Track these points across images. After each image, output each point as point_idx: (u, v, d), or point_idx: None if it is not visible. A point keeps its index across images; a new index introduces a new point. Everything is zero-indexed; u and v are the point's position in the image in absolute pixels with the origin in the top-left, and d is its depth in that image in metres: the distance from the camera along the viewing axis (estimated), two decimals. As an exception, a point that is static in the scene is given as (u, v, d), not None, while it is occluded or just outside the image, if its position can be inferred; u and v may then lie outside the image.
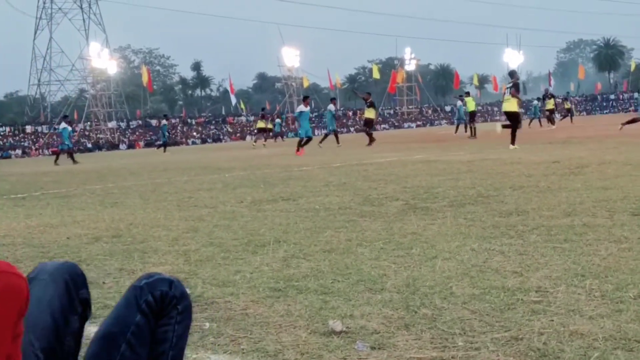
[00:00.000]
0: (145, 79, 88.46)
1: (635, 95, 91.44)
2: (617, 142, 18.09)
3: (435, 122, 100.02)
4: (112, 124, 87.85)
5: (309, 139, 26.77)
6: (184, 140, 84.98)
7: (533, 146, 19.24)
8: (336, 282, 4.35)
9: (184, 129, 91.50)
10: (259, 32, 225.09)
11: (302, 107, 27.54)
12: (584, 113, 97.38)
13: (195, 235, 6.63)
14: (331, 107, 33.04)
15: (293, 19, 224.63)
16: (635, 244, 4.89)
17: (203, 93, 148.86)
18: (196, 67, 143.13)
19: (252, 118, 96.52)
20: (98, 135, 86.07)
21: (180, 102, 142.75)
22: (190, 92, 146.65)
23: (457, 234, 5.80)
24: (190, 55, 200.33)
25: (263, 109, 50.27)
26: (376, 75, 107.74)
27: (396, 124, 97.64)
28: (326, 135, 33.35)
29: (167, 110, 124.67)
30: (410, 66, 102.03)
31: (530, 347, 2.96)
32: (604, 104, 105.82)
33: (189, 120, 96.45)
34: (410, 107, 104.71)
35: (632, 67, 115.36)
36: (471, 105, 34.50)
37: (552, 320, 3.28)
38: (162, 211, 8.87)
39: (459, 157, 16.32)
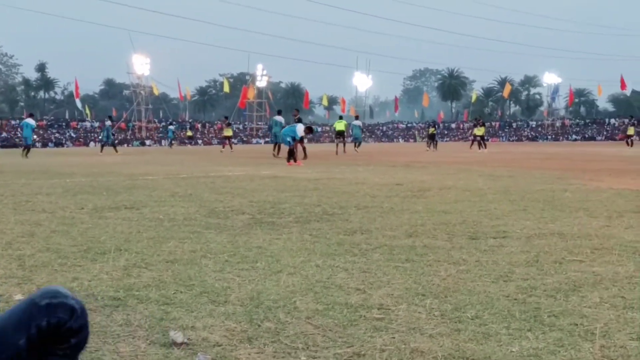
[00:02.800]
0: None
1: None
2: (457, 169, 18.81)
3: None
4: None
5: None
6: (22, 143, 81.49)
7: (377, 168, 19.70)
8: (178, 292, 4.26)
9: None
10: (108, 38, 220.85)
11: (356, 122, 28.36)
12: (426, 139, 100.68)
13: (31, 240, 6.33)
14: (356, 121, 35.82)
15: (145, 27, 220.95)
16: (473, 267, 5.06)
17: (47, 95, 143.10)
18: (41, 68, 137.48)
19: (97, 124, 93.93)
20: None
21: (22, 104, 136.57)
22: (33, 93, 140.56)
23: (302, 249, 5.82)
24: (35, 56, 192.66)
25: (227, 117, 51.06)
26: (227, 89, 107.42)
27: (245, 139, 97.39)
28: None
29: (7, 112, 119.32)
30: (262, 82, 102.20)
31: (372, 363, 2.98)
32: (445, 132, 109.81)
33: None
34: (259, 123, 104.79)
35: (473, 98, 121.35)
36: (339, 125, 38.04)
37: (394, 338, 3.32)
38: (-5, 214, 8.43)
39: (307, 175, 16.46)
